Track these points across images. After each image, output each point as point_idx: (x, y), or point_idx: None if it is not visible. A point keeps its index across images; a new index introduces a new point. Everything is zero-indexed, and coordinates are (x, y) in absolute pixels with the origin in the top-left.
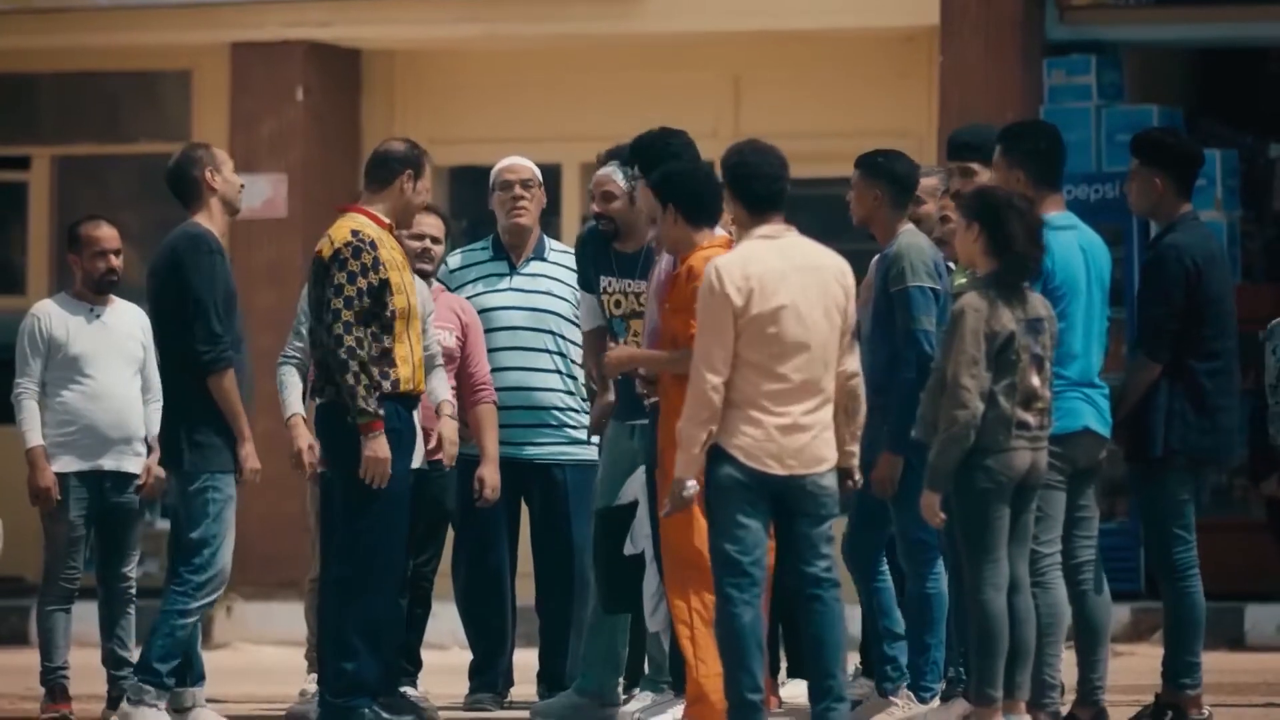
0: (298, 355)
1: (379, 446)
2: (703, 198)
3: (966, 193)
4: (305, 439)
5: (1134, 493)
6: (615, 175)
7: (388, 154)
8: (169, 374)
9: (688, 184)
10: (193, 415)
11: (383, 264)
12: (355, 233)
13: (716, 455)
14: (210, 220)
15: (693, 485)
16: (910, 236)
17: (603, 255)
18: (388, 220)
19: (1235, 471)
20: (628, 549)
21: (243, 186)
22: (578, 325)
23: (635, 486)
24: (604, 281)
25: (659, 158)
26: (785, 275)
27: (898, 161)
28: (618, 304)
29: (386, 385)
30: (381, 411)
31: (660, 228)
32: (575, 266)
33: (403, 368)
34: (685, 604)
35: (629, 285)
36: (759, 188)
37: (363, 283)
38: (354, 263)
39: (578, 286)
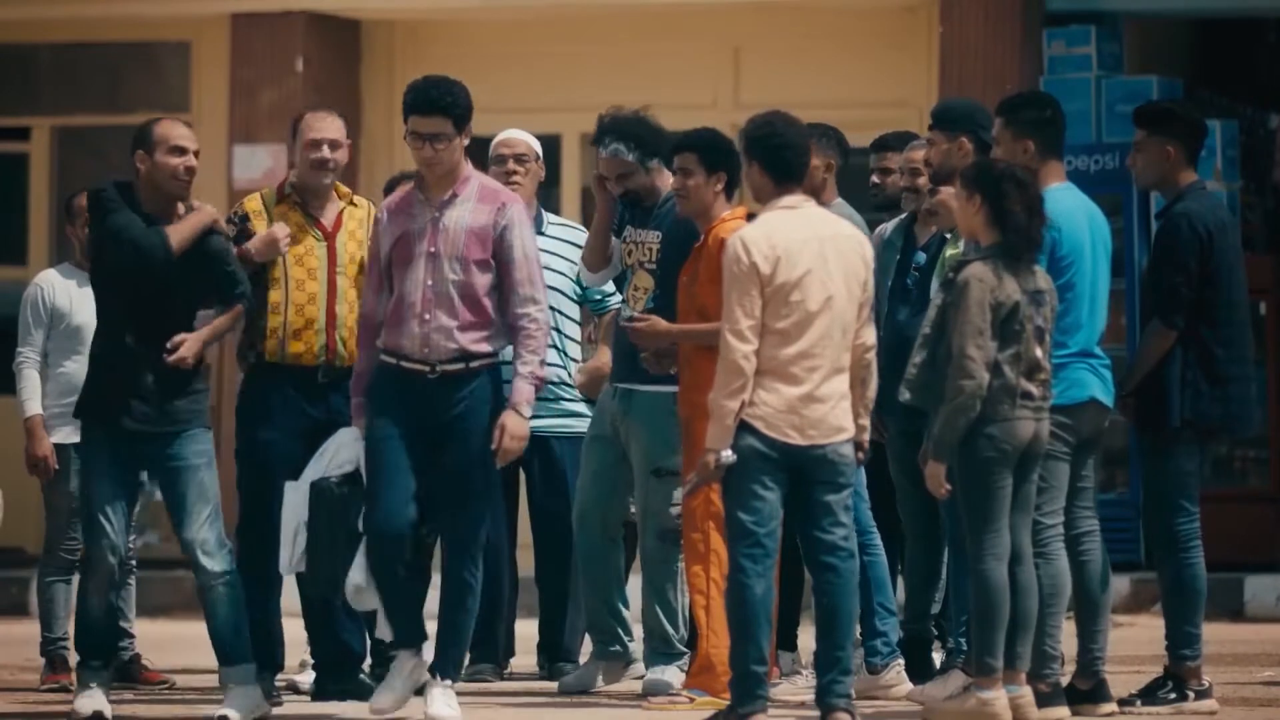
0: None
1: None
2: (740, 171)
3: (967, 165)
4: None
5: (1141, 462)
6: (623, 154)
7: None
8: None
9: (735, 154)
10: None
11: (252, 235)
12: (238, 205)
13: (737, 425)
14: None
15: (728, 455)
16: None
17: (631, 208)
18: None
19: (1236, 442)
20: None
21: (189, 170)
22: (574, 300)
23: (351, 452)
24: (627, 230)
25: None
26: (808, 244)
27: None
28: (629, 253)
29: (252, 357)
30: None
31: (693, 190)
32: (574, 240)
33: (269, 340)
34: (705, 573)
35: (641, 235)
36: (790, 157)
37: None
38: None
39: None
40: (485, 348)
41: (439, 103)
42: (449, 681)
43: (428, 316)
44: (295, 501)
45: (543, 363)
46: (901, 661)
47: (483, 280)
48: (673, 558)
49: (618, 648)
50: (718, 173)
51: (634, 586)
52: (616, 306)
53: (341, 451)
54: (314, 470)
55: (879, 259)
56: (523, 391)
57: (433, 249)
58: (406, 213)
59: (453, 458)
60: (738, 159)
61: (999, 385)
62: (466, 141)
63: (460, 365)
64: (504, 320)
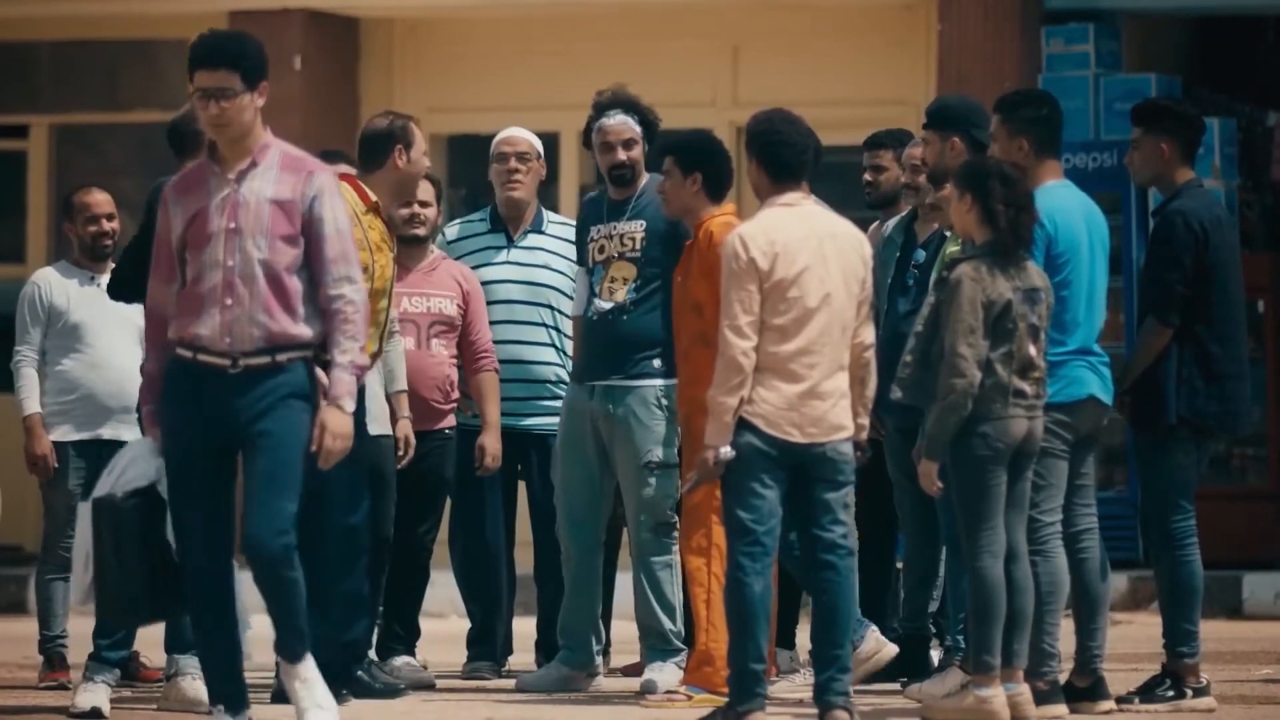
0: None
1: None
2: (726, 170)
3: (959, 164)
4: None
5: (1138, 460)
6: (632, 123)
7: (375, 134)
8: None
9: (716, 154)
10: None
11: None
12: None
13: (736, 423)
14: None
15: (727, 452)
16: None
17: (596, 208)
18: (374, 198)
19: (1235, 440)
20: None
21: None
22: (572, 298)
23: (143, 466)
24: (591, 230)
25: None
26: (806, 241)
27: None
28: (601, 249)
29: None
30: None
31: (670, 191)
32: (574, 239)
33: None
34: (707, 567)
35: (614, 228)
36: (788, 155)
37: None
38: None
39: (576, 262)
40: (295, 336)
41: (224, 53)
42: (302, 662)
43: (229, 301)
44: (85, 525)
45: (362, 349)
46: (875, 628)
47: (290, 258)
48: (667, 550)
49: (588, 656)
50: (693, 173)
51: (627, 585)
52: None
53: (132, 466)
54: (101, 486)
55: (879, 255)
56: (343, 383)
57: (232, 225)
58: (200, 189)
59: (263, 463)
60: (718, 158)
61: (991, 384)
62: (261, 102)
63: (266, 359)
64: (315, 304)
